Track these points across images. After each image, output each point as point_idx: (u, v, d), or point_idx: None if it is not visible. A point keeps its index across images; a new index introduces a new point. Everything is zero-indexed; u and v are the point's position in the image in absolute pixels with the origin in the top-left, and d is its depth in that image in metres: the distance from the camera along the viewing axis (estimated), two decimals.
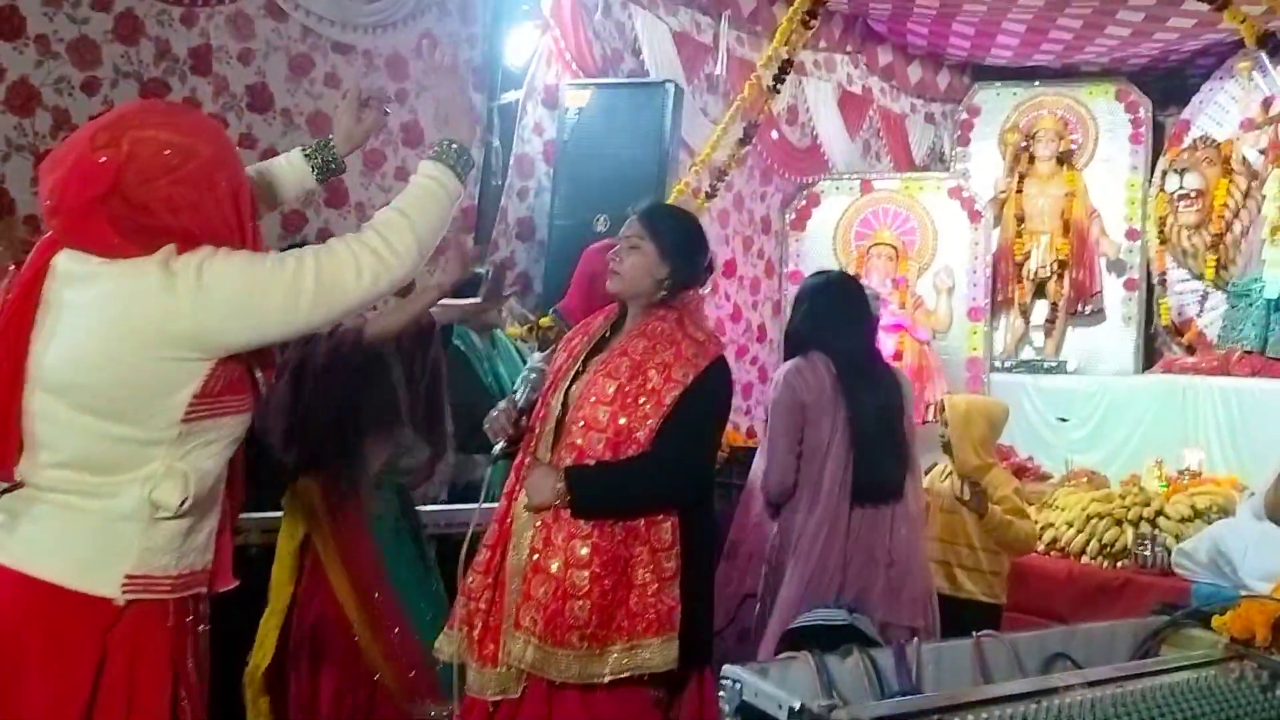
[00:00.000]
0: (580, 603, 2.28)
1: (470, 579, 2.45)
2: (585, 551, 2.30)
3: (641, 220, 2.54)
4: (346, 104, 2.15)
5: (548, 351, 2.57)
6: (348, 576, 2.99)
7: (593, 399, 2.41)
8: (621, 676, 2.29)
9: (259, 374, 1.79)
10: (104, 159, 1.61)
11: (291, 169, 2.10)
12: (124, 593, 1.67)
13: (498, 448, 2.48)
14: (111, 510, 1.66)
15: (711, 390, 2.44)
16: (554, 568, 2.31)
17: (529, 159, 5.80)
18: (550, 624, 2.28)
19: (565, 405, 2.46)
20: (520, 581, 2.35)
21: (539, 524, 2.37)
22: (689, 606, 2.35)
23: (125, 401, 1.65)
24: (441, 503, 3.56)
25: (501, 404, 2.53)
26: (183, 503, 1.67)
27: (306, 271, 1.69)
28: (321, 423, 2.92)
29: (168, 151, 1.64)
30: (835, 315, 3.21)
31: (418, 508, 3.30)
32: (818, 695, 1.61)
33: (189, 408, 1.67)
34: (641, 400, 2.37)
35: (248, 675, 2.94)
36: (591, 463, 2.35)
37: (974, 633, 1.91)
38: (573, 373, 2.51)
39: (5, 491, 1.70)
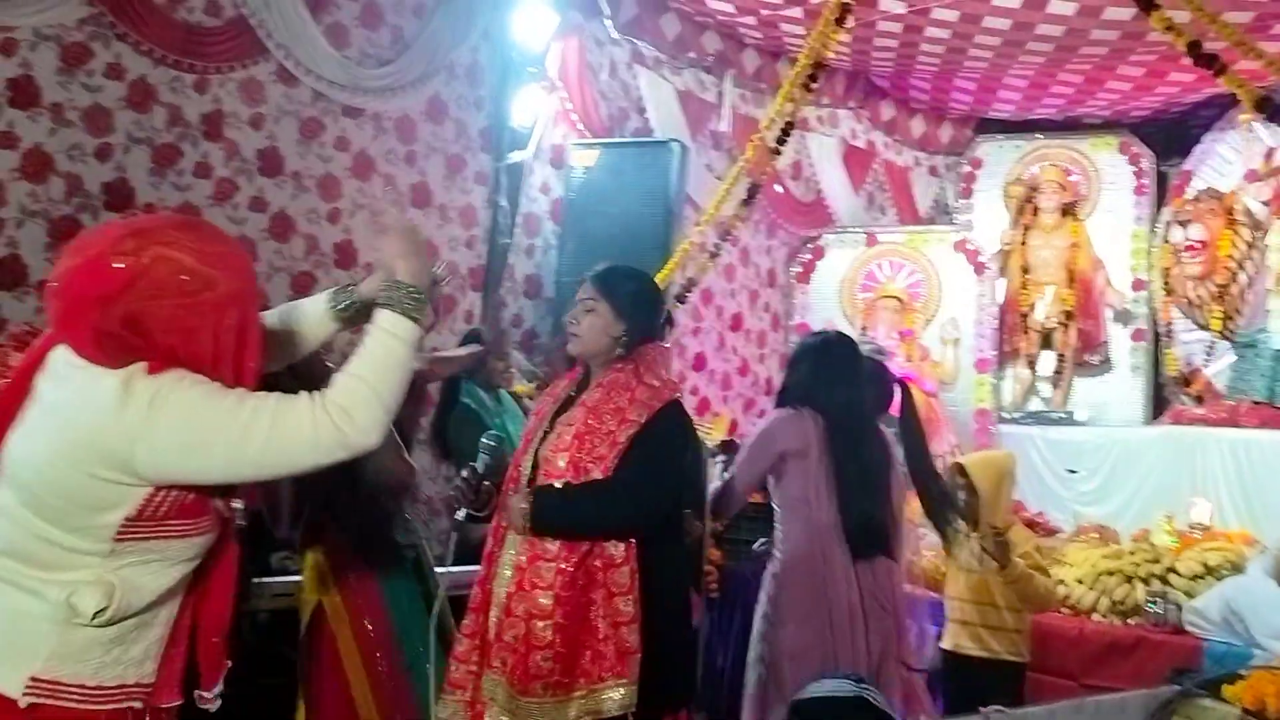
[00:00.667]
0: (543, 653, 2.34)
1: (459, 644, 2.51)
2: (548, 603, 2.37)
3: (594, 282, 2.63)
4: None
5: (495, 443, 2.67)
6: (357, 644, 2.96)
7: (553, 449, 2.50)
8: None
9: (218, 502, 1.71)
10: (121, 265, 1.59)
11: (313, 311, 2.02)
12: (25, 695, 1.58)
13: (460, 514, 2.56)
14: (31, 606, 1.61)
15: (666, 428, 2.51)
16: (520, 611, 2.39)
17: (536, 217, 5.86)
18: (515, 671, 2.35)
19: (535, 465, 2.53)
20: (495, 625, 2.42)
21: (514, 569, 2.44)
22: (654, 649, 2.38)
23: (59, 509, 1.60)
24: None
25: (464, 472, 2.59)
26: (99, 612, 1.60)
27: (261, 424, 1.61)
28: (318, 495, 2.91)
29: (185, 277, 1.60)
30: (829, 374, 3.27)
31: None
32: None
33: (121, 528, 1.61)
34: (595, 441, 2.46)
35: None
36: (558, 484, 2.44)
37: (981, 709, 1.90)
38: (540, 433, 2.58)
39: None
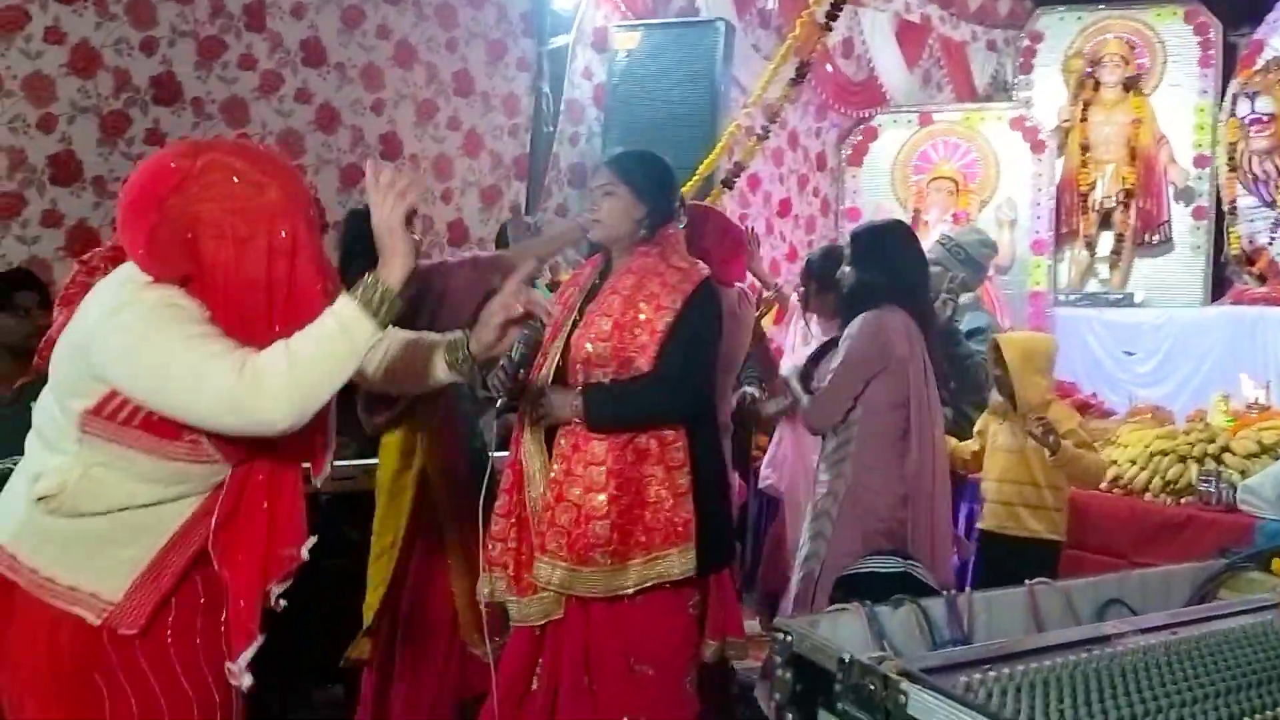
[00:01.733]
0: (601, 523, 2.44)
1: (495, 524, 2.61)
2: (601, 475, 2.47)
3: (611, 167, 2.67)
4: (488, 319, 1.96)
5: (531, 332, 2.68)
6: (451, 507, 3.15)
7: (591, 337, 2.54)
8: (645, 586, 2.47)
9: (207, 440, 1.67)
10: (174, 164, 1.63)
11: (436, 360, 1.97)
12: None
13: (500, 403, 2.58)
14: (21, 481, 1.72)
15: (700, 312, 2.55)
16: (575, 494, 2.47)
17: (579, 104, 5.78)
18: (575, 546, 2.45)
19: (566, 352, 2.58)
20: (544, 512, 2.50)
21: (559, 458, 2.52)
22: (703, 518, 2.52)
23: (58, 389, 1.69)
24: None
25: (501, 360, 2.62)
26: (46, 498, 1.65)
27: (190, 379, 1.57)
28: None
29: (237, 180, 1.63)
30: (905, 262, 3.19)
31: None
32: (869, 646, 1.64)
33: (83, 418, 1.63)
34: (637, 330, 2.51)
35: (365, 608, 3.15)
36: (606, 380, 2.50)
37: (1026, 581, 1.92)
38: (570, 322, 2.62)
39: None
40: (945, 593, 1.88)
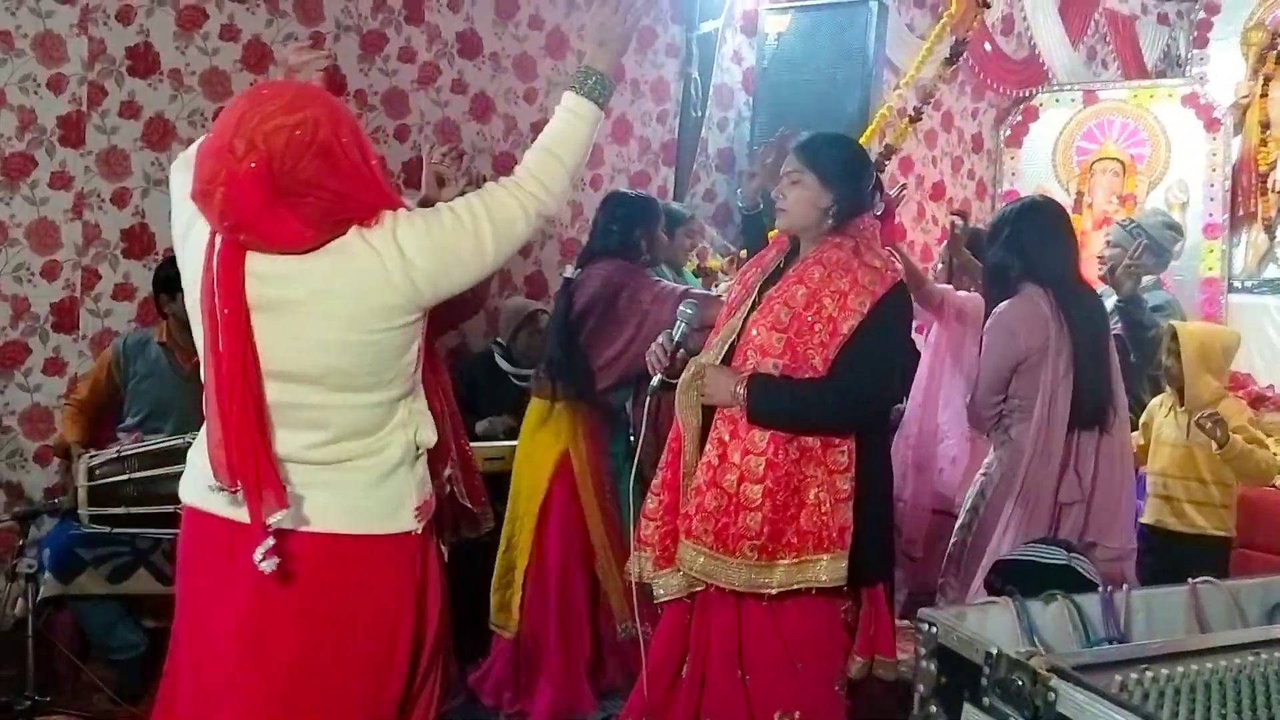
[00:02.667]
0: (752, 515, 2.35)
1: (649, 501, 2.57)
2: (760, 467, 2.36)
3: (798, 153, 2.54)
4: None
5: (694, 311, 2.65)
6: (597, 500, 3.45)
7: (767, 325, 2.43)
8: (790, 589, 2.36)
9: None
10: (253, 164, 1.69)
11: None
12: (416, 522, 1.93)
13: (655, 380, 2.56)
14: (387, 462, 1.88)
15: (890, 319, 2.42)
16: (729, 480, 2.38)
17: (728, 89, 5.76)
18: (722, 534, 2.36)
19: (739, 335, 2.50)
20: (693, 494, 2.44)
21: (715, 442, 2.43)
22: (863, 527, 2.39)
23: (370, 374, 1.83)
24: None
25: (659, 338, 2.61)
26: (417, 455, 1.94)
27: (482, 221, 1.87)
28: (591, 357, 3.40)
29: (298, 131, 1.72)
30: (1044, 242, 3.08)
31: None
32: (1018, 641, 1.60)
33: (417, 362, 1.91)
34: (817, 328, 2.39)
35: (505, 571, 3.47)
36: (776, 373, 2.39)
37: (1190, 579, 1.83)
38: (749, 303, 2.54)
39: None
40: (1101, 589, 1.81)
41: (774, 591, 2.37)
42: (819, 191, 2.49)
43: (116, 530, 3.21)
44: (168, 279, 3.47)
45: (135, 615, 3.45)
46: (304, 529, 1.81)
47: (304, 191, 1.72)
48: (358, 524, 1.86)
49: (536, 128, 4.99)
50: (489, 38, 4.91)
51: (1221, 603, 1.83)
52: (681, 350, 2.57)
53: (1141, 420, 3.65)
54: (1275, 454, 3.77)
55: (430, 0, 4.72)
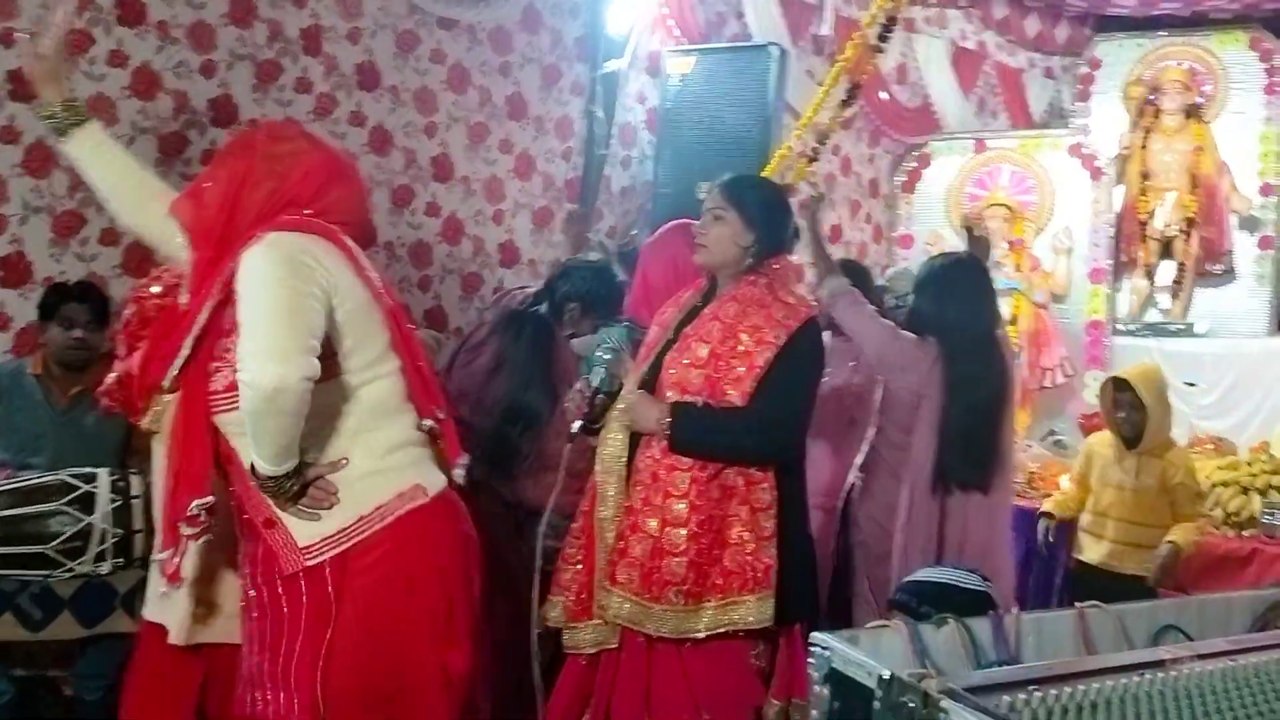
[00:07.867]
0: (677, 560, 2.34)
1: (568, 545, 2.55)
2: (683, 509, 2.35)
3: (723, 191, 2.57)
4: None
5: (612, 356, 2.61)
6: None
7: (685, 361, 2.45)
8: (716, 632, 2.35)
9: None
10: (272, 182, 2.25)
11: None
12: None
13: (575, 426, 2.55)
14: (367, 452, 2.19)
15: (803, 350, 2.46)
16: (651, 526, 2.36)
17: (632, 128, 5.80)
18: (647, 580, 2.34)
19: (656, 371, 2.50)
20: (616, 539, 2.41)
21: (637, 485, 2.42)
22: (787, 565, 2.39)
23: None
24: None
25: (578, 384, 2.60)
26: None
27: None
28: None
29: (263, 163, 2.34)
30: (963, 299, 3.14)
31: None
32: (911, 664, 1.59)
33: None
34: (734, 362, 2.41)
35: None
36: (699, 402, 2.39)
37: (1076, 604, 1.86)
38: (664, 342, 2.55)
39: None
40: (991, 613, 1.82)
41: (701, 636, 2.35)
42: (740, 230, 2.51)
43: None
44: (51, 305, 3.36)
45: (2, 663, 3.25)
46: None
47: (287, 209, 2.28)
48: (434, 484, 2.26)
49: (436, 161, 4.98)
50: (388, 70, 4.85)
51: (1109, 626, 1.86)
52: (600, 396, 2.55)
53: (1082, 450, 3.71)
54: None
55: (328, 31, 4.65)
